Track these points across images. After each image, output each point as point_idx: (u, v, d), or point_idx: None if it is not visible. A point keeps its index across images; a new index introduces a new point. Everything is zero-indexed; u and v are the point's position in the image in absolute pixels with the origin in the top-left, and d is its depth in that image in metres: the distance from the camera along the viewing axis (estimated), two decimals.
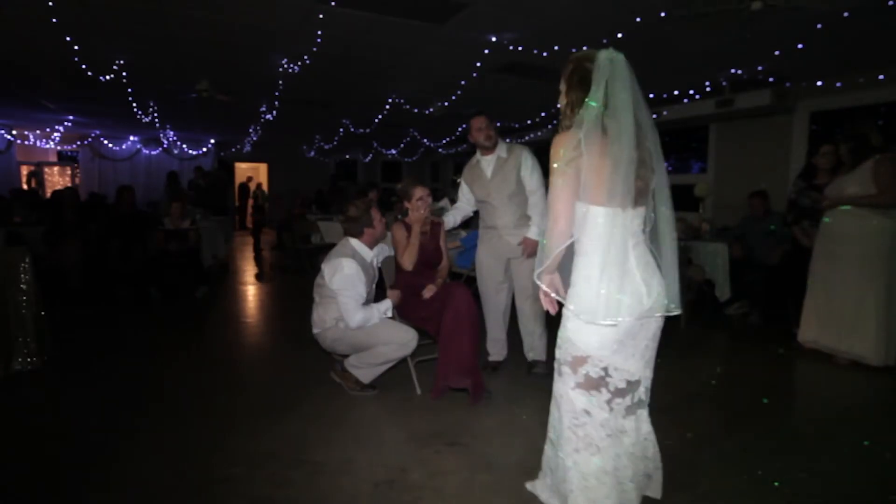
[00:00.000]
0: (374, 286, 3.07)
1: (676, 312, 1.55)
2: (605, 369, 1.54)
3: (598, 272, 1.46)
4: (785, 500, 1.96)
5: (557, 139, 1.52)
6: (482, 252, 3.25)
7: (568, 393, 1.57)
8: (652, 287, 1.51)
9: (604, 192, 1.45)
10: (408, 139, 11.06)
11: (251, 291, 6.15)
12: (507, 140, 3.31)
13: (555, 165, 1.50)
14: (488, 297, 3.26)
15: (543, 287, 1.57)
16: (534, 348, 3.20)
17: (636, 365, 1.58)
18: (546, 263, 1.53)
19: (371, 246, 3.01)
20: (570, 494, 1.58)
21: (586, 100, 1.48)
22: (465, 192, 3.37)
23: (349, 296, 2.79)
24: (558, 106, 1.64)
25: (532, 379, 3.15)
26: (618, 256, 1.47)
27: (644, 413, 1.65)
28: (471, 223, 4.03)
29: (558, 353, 1.61)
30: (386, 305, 2.93)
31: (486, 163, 3.15)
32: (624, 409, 1.58)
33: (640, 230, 1.53)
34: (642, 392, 1.63)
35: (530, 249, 3.02)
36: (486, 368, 3.23)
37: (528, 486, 1.93)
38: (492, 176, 3.12)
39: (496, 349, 3.32)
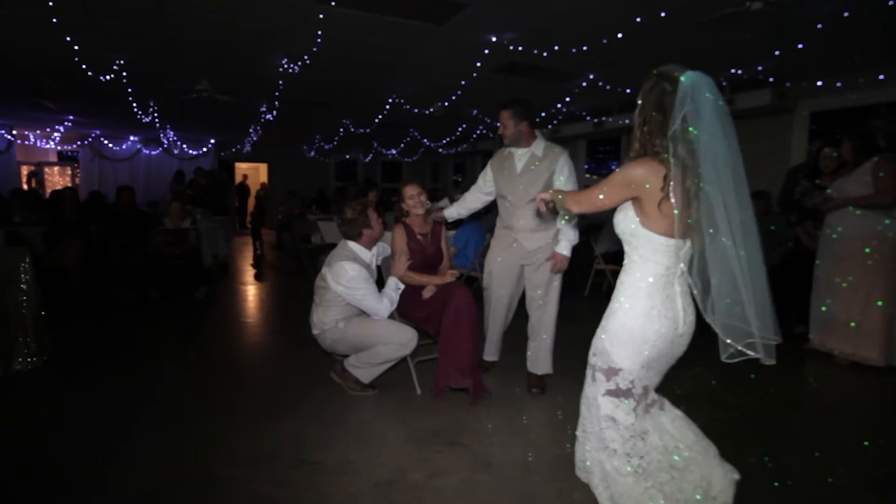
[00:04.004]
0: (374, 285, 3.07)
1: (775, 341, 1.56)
2: (633, 382, 1.62)
3: (647, 295, 1.56)
4: (784, 501, 1.96)
5: (640, 165, 1.51)
6: (495, 253, 3.08)
7: (598, 398, 1.66)
8: (687, 314, 1.60)
9: (681, 227, 1.49)
10: (408, 139, 11.06)
11: (251, 291, 6.15)
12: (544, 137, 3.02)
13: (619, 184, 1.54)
14: (495, 299, 3.10)
15: (545, 196, 1.72)
16: (539, 359, 3.01)
17: (655, 379, 1.69)
18: (559, 204, 1.68)
19: (369, 247, 3.00)
20: (595, 489, 1.73)
21: (672, 131, 1.45)
22: (487, 181, 3.11)
23: (366, 290, 2.81)
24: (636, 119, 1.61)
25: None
26: (667, 283, 1.56)
27: (655, 408, 1.71)
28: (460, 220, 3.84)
29: (593, 360, 1.69)
30: (393, 283, 2.95)
31: (519, 157, 2.91)
32: (643, 411, 1.66)
33: (687, 260, 1.57)
34: (654, 394, 1.72)
35: (560, 265, 2.80)
36: (479, 368, 3.20)
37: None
38: (521, 172, 2.89)
39: (491, 350, 3.27)
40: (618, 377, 1.62)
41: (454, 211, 3.27)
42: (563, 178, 2.80)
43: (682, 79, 1.46)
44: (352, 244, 2.95)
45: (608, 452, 1.65)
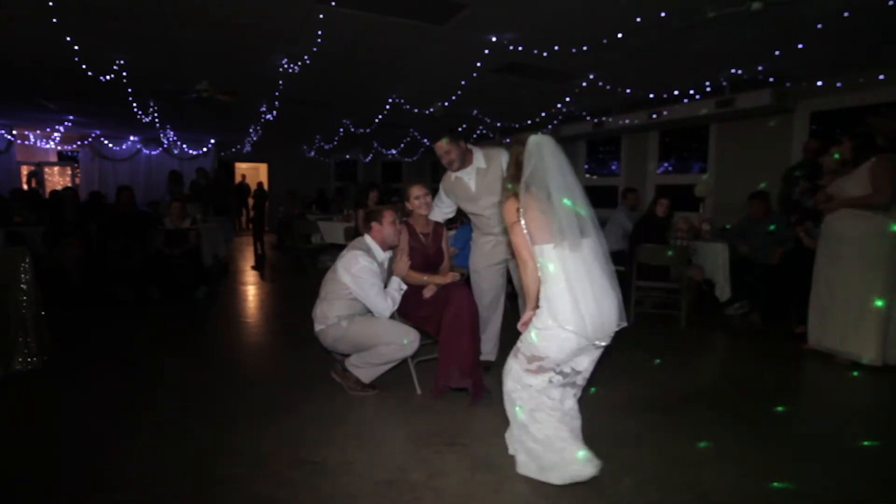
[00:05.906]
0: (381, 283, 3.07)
1: (623, 325, 1.99)
2: (558, 364, 1.98)
3: (566, 293, 1.88)
4: (784, 501, 1.97)
5: (507, 205, 2.03)
6: (479, 254, 3.20)
7: (519, 371, 2.05)
8: (603, 306, 1.90)
9: (547, 235, 1.92)
10: (408, 139, 11.07)
11: (251, 291, 6.15)
12: (505, 140, 3.25)
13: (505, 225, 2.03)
14: (485, 297, 3.18)
15: (524, 319, 2.06)
16: None
17: (585, 364, 2.02)
18: (532, 301, 2.00)
19: (383, 247, 2.99)
20: (519, 445, 2.09)
21: (524, 179, 1.97)
22: (444, 202, 3.28)
23: (372, 283, 2.82)
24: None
25: None
26: (578, 280, 1.89)
27: (571, 391, 2.08)
28: (455, 219, 3.96)
29: (521, 346, 2.05)
30: (396, 283, 2.96)
31: (468, 176, 3.07)
32: (559, 385, 2.02)
33: (591, 259, 1.94)
34: (580, 379, 2.05)
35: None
36: (479, 368, 3.21)
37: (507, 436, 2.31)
38: (477, 189, 3.05)
39: (489, 349, 3.30)
40: (542, 362, 1.96)
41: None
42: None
43: (530, 140, 2.00)
44: (367, 238, 2.98)
45: (535, 415, 2.01)
